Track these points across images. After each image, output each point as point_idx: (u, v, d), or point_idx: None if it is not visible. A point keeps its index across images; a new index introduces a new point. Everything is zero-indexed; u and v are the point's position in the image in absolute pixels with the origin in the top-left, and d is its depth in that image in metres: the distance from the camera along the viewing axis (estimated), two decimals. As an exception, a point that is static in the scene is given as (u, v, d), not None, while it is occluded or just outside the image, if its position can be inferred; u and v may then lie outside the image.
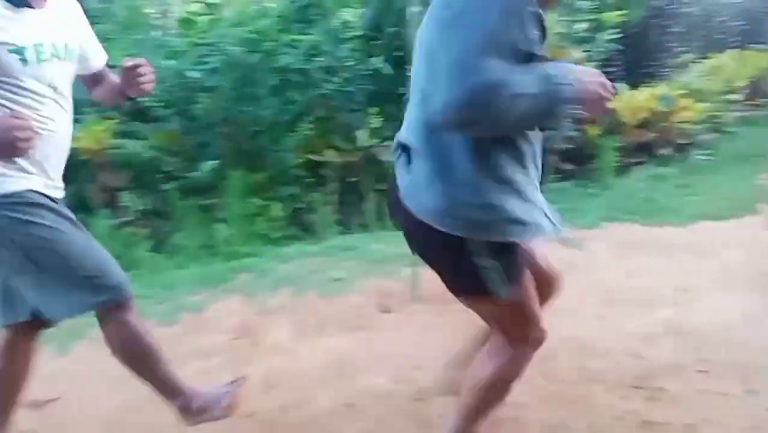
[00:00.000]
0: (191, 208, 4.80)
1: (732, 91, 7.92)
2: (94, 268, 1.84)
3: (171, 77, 4.83)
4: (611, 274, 3.65)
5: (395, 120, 6.51)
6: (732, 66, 8.29)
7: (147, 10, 8.17)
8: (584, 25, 5.71)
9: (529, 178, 1.52)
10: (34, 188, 1.77)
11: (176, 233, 4.79)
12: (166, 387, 2.03)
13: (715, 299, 3.15)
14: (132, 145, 4.88)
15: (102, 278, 1.85)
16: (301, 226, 5.37)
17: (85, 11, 2.01)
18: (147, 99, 4.80)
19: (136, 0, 6.69)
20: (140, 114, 5.02)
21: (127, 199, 5.02)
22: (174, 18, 8.70)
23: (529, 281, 1.66)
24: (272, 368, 2.66)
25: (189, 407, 2.05)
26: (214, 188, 5.15)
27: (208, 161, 4.91)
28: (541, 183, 1.58)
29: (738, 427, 2.13)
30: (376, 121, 5.89)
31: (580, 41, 5.64)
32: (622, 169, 5.87)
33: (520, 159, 1.49)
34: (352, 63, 5.27)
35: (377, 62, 5.29)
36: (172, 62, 4.86)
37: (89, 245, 1.87)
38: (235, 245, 4.54)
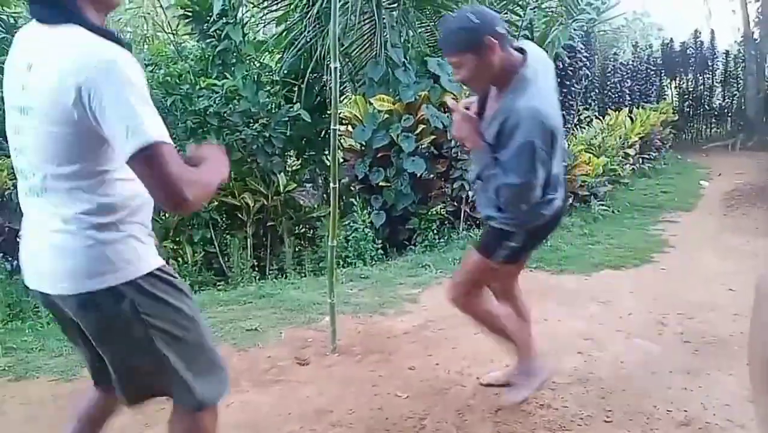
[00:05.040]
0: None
1: (627, 146, 8.59)
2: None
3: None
4: (521, 322, 3.78)
5: (314, 164, 6.53)
6: (626, 123, 8.98)
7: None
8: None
9: None
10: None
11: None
12: None
13: (617, 347, 3.34)
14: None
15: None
16: (214, 271, 5.22)
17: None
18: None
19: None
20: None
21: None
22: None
23: None
24: (183, 428, 2.53)
25: None
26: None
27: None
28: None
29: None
30: (294, 165, 5.89)
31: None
32: (529, 218, 6.13)
33: None
34: (271, 108, 5.27)
35: (296, 108, 5.33)
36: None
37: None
38: (143, 291, 4.33)
